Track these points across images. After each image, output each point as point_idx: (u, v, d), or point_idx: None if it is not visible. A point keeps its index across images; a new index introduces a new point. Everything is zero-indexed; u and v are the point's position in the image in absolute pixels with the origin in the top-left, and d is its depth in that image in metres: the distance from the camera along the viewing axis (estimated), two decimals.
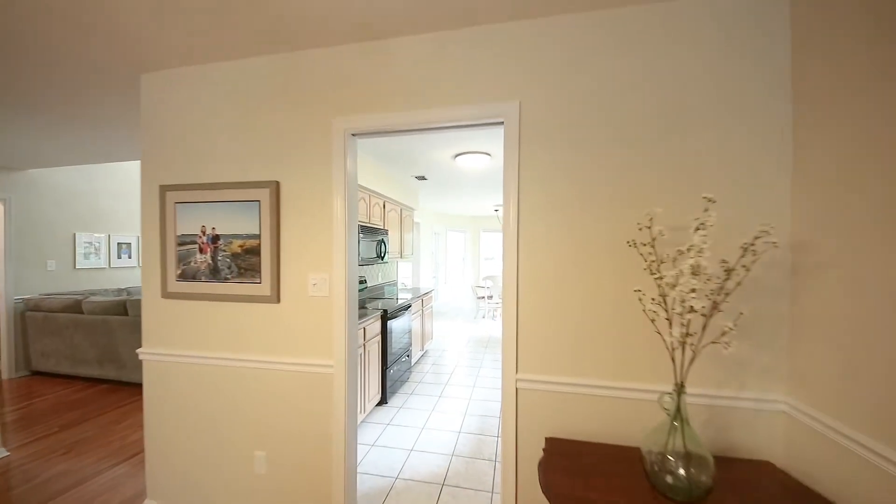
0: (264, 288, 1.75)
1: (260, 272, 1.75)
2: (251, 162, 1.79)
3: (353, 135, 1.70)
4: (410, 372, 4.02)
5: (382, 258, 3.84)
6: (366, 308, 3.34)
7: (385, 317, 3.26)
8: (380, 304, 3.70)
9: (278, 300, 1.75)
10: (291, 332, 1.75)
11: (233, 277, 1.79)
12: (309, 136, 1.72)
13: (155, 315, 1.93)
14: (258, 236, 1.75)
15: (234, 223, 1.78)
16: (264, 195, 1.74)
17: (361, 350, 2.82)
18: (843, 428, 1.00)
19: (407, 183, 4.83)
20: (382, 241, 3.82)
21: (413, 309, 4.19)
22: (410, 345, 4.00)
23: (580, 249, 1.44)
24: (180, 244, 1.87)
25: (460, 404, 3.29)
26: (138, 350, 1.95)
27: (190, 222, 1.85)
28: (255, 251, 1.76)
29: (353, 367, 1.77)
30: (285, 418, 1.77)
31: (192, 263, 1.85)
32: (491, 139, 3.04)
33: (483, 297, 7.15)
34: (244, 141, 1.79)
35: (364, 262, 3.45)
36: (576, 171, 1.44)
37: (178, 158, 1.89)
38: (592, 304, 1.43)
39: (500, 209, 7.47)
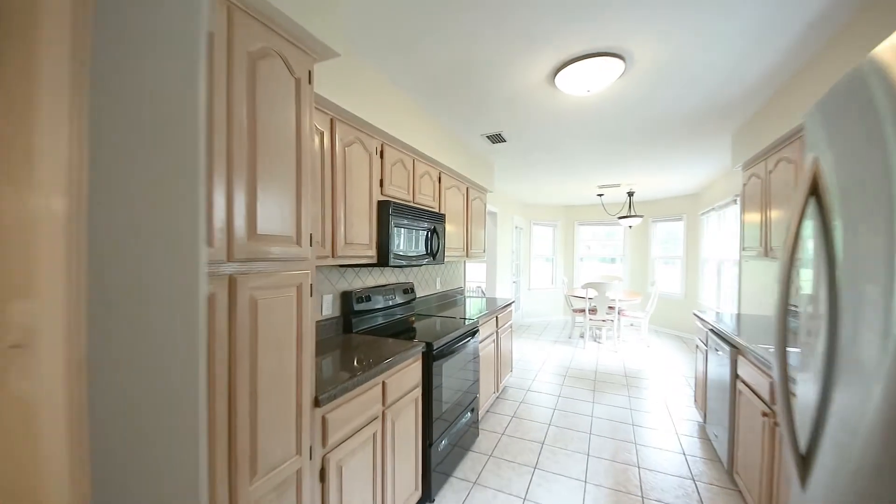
0: None
1: None
2: None
3: None
4: (477, 434, 2.62)
5: (434, 256, 2.53)
6: (412, 332, 2.06)
7: (430, 355, 1.92)
8: (437, 324, 2.39)
9: None
10: None
11: None
12: None
13: None
14: None
15: None
16: None
17: (378, 423, 1.52)
18: None
19: (475, 148, 3.44)
20: (434, 230, 2.51)
21: (482, 333, 2.79)
22: (477, 388, 2.60)
23: None
24: None
25: None
26: None
27: None
28: None
29: None
30: None
31: None
32: (632, 16, 1.48)
33: (582, 311, 5.38)
34: None
35: (403, 262, 2.17)
36: None
37: None
38: None
39: (606, 192, 5.57)
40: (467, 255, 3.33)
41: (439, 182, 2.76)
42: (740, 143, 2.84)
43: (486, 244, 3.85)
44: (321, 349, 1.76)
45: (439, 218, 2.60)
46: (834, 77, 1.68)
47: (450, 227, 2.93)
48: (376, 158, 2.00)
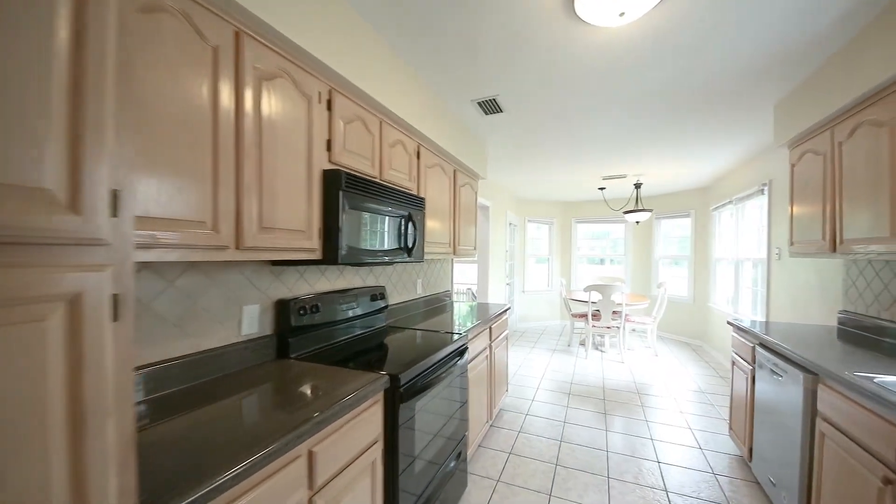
0: None
1: None
2: None
3: None
4: (465, 482, 2.02)
5: (410, 252, 1.93)
6: (378, 353, 1.46)
7: (396, 394, 1.32)
8: (414, 340, 1.80)
9: None
10: None
11: None
12: None
13: None
14: None
15: None
16: None
17: None
18: None
19: (464, 119, 2.85)
20: (410, 218, 1.91)
21: (473, 350, 2.20)
22: (466, 419, 2.01)
23: None
24: None
25: None
26: None
27: None
28: None
29: None
30: None
31: None
32: None
33: (582, 316, 4.83)
34: None
35: (362, 259, 1.56)
36: None
37: None
38: None
39: (608, 185, 5.01)
40: (454, 253, 2.74)
41: (417, 157, 2.17)
42: (788, 113, 2.31)
43: (477, 241, 3.27)
44: (219, 392, 1.14)
45: (417, 203, 2.00)
46: None
47: (432, 217, 2.34)
48: (320, 109, 1.40)
